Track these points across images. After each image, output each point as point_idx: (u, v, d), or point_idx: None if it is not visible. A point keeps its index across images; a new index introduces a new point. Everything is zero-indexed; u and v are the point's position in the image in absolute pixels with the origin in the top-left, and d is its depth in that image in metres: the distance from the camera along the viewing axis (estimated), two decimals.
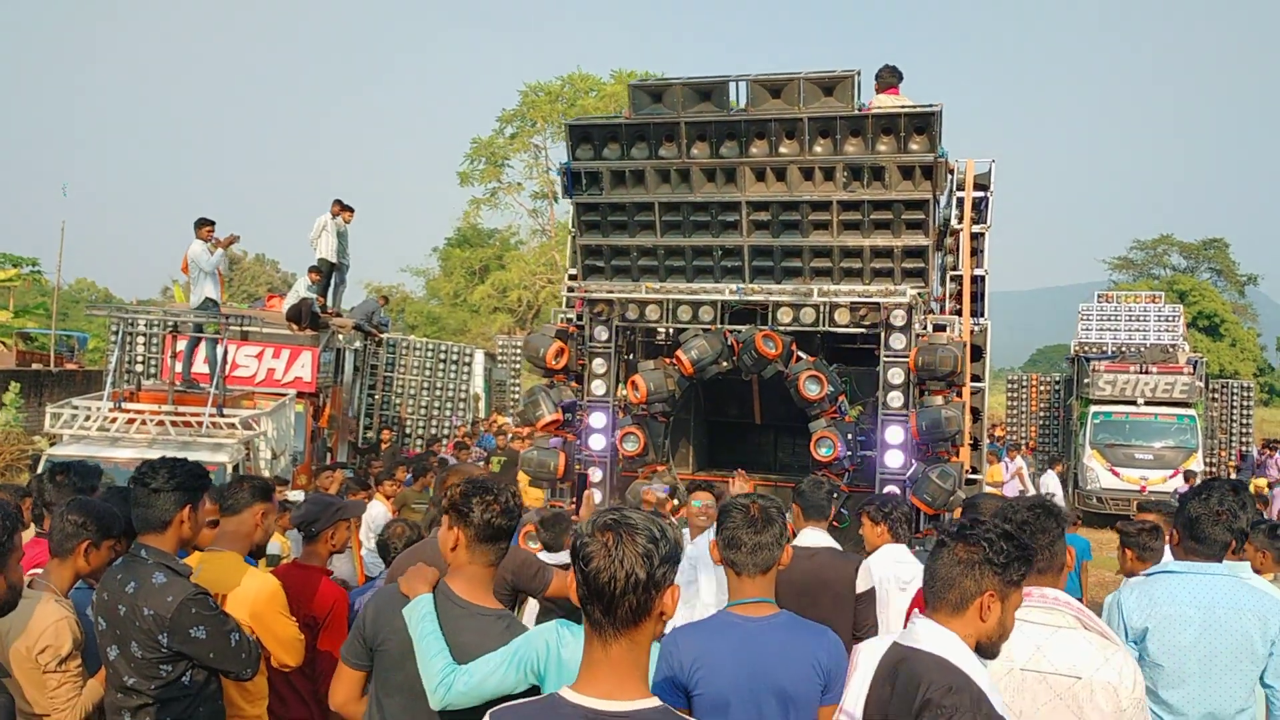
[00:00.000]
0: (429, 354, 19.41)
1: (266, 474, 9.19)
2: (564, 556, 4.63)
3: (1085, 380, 17.78)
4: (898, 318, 7.46)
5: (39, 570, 3.32)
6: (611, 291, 8.10)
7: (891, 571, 4.60)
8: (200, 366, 10.75)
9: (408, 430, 18.48)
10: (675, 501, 6.88)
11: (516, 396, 23.57)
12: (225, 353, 10.28)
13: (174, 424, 9.25)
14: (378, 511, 7.46)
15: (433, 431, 18.56)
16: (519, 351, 24.02)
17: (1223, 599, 3.22)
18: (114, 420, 9.21)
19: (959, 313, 8.20)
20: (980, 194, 8.44)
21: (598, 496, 7.94)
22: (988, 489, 8.54)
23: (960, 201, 8.34)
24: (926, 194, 7.18)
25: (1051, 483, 13.88)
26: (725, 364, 7.92)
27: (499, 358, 25.13)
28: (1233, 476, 16.93)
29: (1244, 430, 22.26)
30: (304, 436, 11.26)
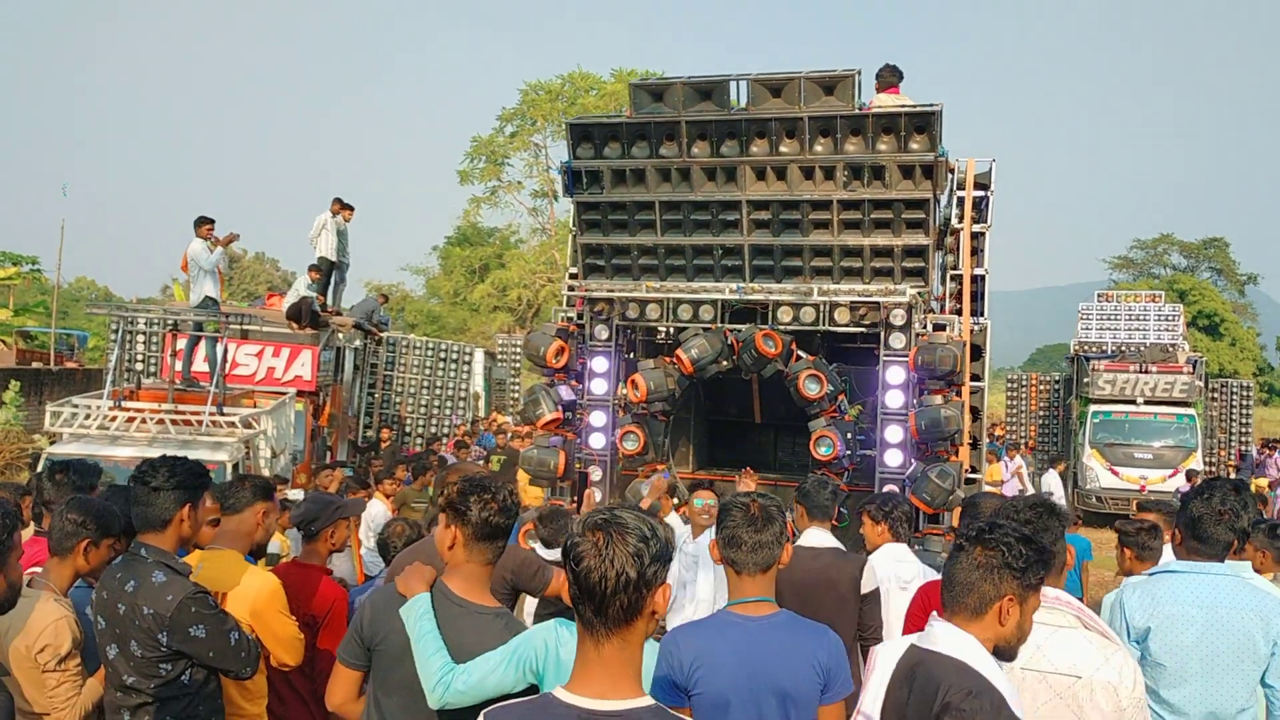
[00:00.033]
0: (429, 353, 19.40)
1: (266, 473, 9.20)
2: None
3: (1085, 380, 17.77)
4: (897, 317, 7.45)
5: (38, 569, 3.31)
6: (612, 290, 8.10)
7: (892, 571, 4.59)
8: (200, 365, 10.75)
9: (407, 429, 18.47)
10: (675, 500, 6.87)
11: (516, 395, 23.55)
12: (225, 351, 10.27)
13: (174, 422, 9.25)
14: (377, 510, 7.46)
15: (432, 430, 18.56)
16: (519, 350, 24.00)
17: (1225, 599, 3.22)
18: (114, 419, 9.22)
19: (959, 312, 8.19)
20: (980, 193, 8.44)
21: (598, 496, 7.94)
22: (987, 488, 8.55)
23: (960, 201, 8.33)
24: (927, 193, 7.17)
25: (1053, 482, 13.84)
26: (725, 363, 7.92)
27: (499, 356, 25.11)
28: (1232, 476, 16.91)
29: (1243, 430, 22.23)
30: (304, 435, 11.26)
